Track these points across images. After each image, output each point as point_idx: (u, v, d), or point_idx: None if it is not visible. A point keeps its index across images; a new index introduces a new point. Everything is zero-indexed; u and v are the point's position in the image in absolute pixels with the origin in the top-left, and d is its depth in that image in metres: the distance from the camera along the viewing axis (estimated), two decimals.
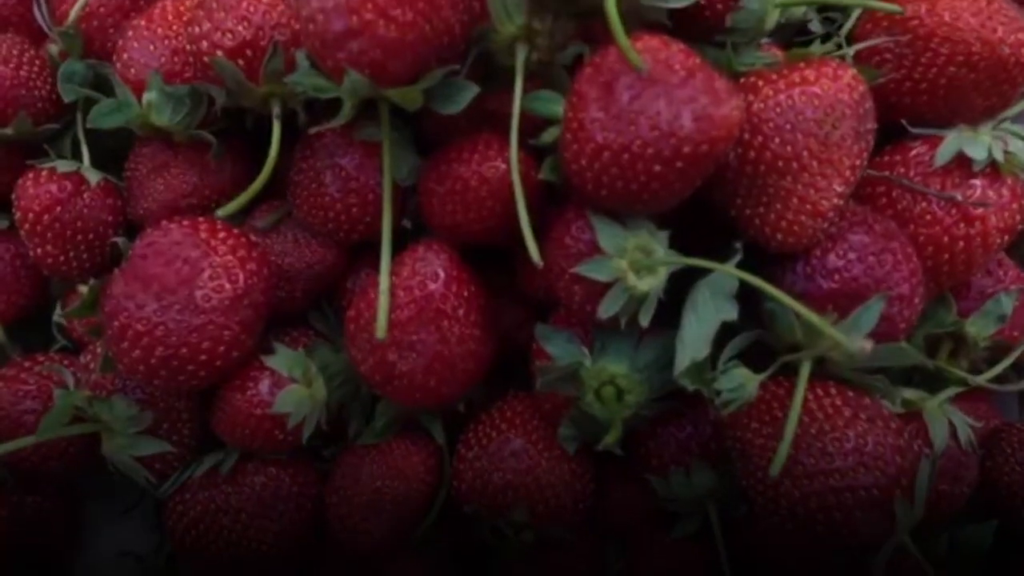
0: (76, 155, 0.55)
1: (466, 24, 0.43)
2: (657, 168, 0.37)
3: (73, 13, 0.51)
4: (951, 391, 0.50)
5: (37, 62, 0.53)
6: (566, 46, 0.46)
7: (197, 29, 0.45)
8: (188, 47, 0.46)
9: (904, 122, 0.49)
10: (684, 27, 0.45)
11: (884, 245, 0.43)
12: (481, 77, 0.46)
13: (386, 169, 0.45)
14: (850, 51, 0.44)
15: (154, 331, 0.44)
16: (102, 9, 0.52)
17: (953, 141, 0.47)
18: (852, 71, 0.42)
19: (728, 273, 0.40)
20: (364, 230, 0.51)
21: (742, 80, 0.43)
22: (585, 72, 0.40)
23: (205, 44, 0.45)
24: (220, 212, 0.44)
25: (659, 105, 0.37)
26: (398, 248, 0.47)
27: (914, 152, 0.48)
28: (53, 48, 0.53)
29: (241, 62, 0.45)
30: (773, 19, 0.46)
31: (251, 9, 0.45)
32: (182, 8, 0.50)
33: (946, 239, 0.47)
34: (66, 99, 0.53)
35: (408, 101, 0.41)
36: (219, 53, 0.45)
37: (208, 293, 0.44)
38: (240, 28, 0.45)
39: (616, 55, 0.38)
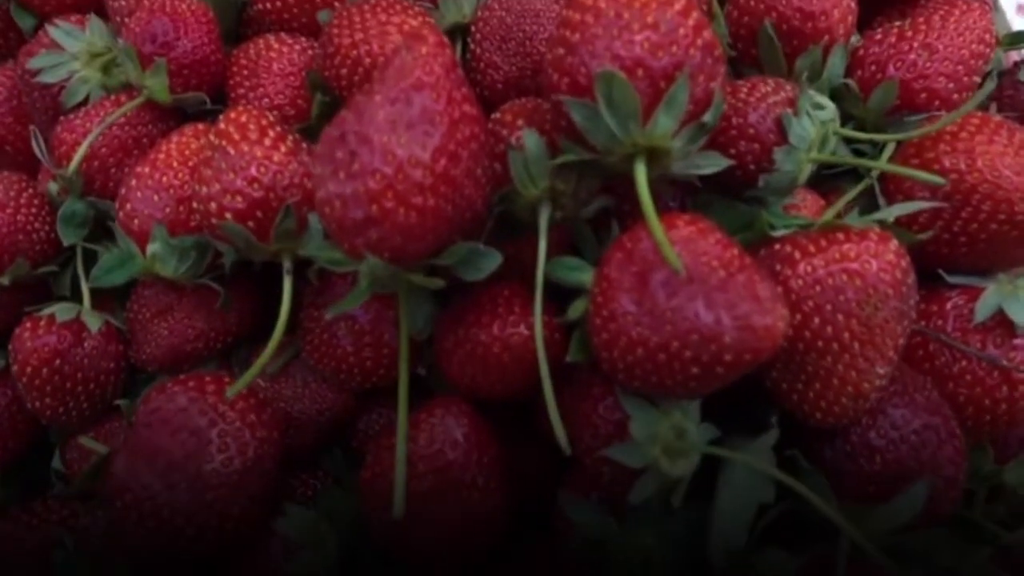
0: (75, 291, 0.53)
1: (489, 195, 0.41)
2: (695, 371, 0.35)
3: (74, 162, 0.48)
4: (987, 551, 0.48)
5: (35, 201, 0.51)
6: (590, 202, 0.44)
7: (205, 189, 0.43)
8: (195, 206, 0.44)
9: (942, 272, 0.47)
10: (714, 184, 0.44)
11: (926, 421, 0.41)
12: (501, 228, 0.45)
13: (403, 335, 0.43)
14: (890, 214, 0.42)
15: (160, 512, 0.41)
16: (103, 149, 0.50)
17: (993, 296, 0.45)
18: (894, 244, 0.40)
19: (765, 470, 0.38)
20: (378, 380, 0.49)
21: (776, 246, 0.41)
22: (615, 257, 0.38)
23: (214, 206, 0.43)
24: (229, 392, 0.42)
25: (697, 306, 0.35)
26: (414, 393, 0.44)
27: (951, 304, 0.47)
28: (52, 187, 0.51)
29: (251, 224, 0.43)
30: (806, 173, 0.45)
31: (261, 170, 0.43)
32: (187, 152, 0.48)
33: (988, 402, 0.45)
34: (66, 243, 0.50)
35: (430, 284, 0.39)
36: (228, 216, 0.43)
37: (217, 468, 0.42)
38: (250, 190, 0.42)
39: (649, 243, 0.36)
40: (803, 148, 0.43)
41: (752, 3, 0.51)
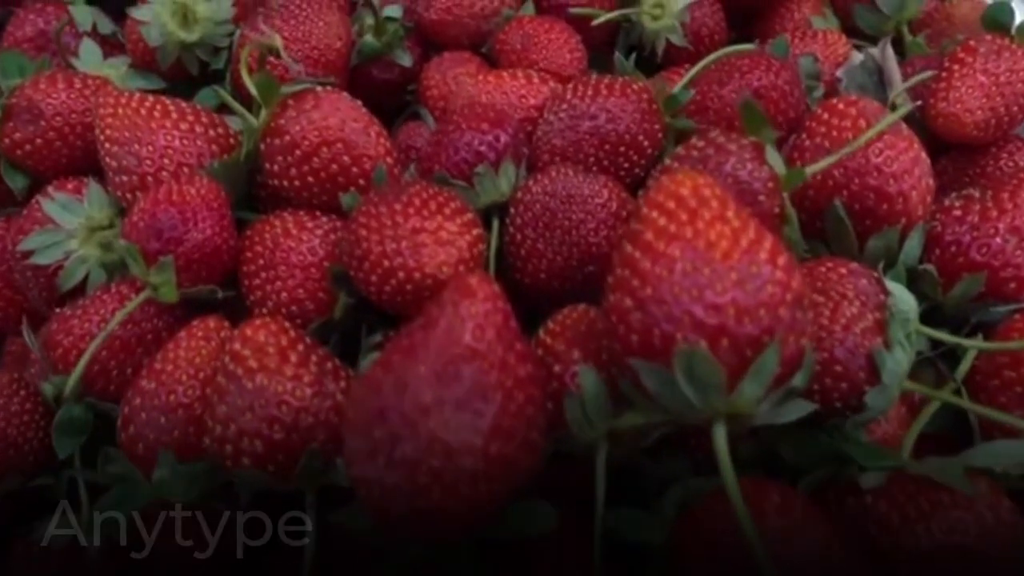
0: (72, 490, 0.48)
1: (543, 454, 0.36)
2: None
3: (73, 377, 0.43)
4: None
5: (28, 406, 0.45)
6: (651, 435, 0.39)
7: (219, 429, 0.38)
8: (207, 442, 0.39)
9: None
10: None
11: None
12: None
13: None
14: (997, 462, 0.37)
15: None
16: (104, 352, 0.45)
17: None
18: (1006, 511, 0.35)
19: None
20: None
21: (868, 500, 0.37)
22: (698, 542, 0.33)
23: (229, 449, 0.38)
24: None
25: None
26: None
27: None
28: (48, 388, 0.46)
29: (271, 467, 0.38)
30: (895, 403, 0.40)
31: (283, 409, 0.38)
32: (198, 360, 0.43)
33: None
34: (61, 455, 0.45)
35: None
36: (246, 462, 0.38)
37: None
38: (270, 432, 0.37)
39: (737, 540, 0.31)
40: (895, 384, 0.38)
41: (820, 178, 0.46)
